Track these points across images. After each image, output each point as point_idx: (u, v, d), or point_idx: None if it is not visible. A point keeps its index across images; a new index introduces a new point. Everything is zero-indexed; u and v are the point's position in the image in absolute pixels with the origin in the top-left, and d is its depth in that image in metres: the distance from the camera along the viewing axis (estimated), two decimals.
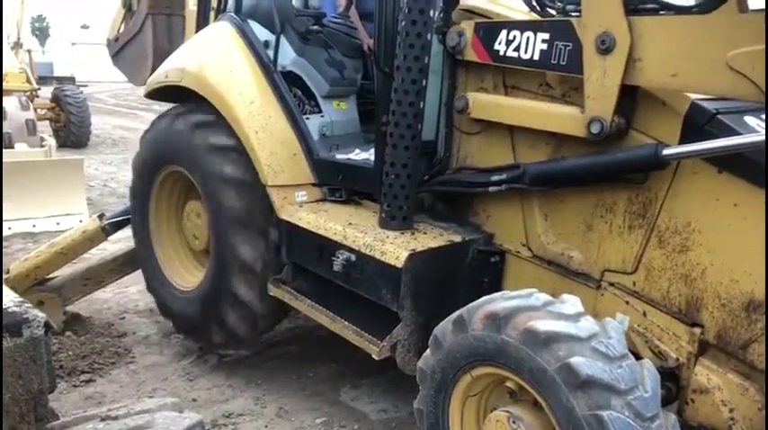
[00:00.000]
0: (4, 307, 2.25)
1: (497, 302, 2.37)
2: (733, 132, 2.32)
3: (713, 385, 2.43)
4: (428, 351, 2.61)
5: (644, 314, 2.65)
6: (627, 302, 2.71)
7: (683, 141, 2.45)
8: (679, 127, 2.47)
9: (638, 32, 2.44)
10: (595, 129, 2.56)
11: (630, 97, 2.57)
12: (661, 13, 2.55)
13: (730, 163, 2.34)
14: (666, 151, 2.43)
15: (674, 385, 2.55)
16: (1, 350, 2.06)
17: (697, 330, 2.50)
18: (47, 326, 2.19)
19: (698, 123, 2.42)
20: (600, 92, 2.55)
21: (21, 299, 2.34)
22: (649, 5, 2.58)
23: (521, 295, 2.40)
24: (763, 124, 2.41)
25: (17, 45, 13.95)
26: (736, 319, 2.39)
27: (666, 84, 2.44)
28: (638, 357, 2.40)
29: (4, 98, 9.22)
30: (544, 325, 2.19)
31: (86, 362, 4.07)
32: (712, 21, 2.31)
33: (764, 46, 2.07)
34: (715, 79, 2.27)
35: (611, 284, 2.78)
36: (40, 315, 2.21)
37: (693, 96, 2.45)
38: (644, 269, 2.67)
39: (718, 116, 2.38)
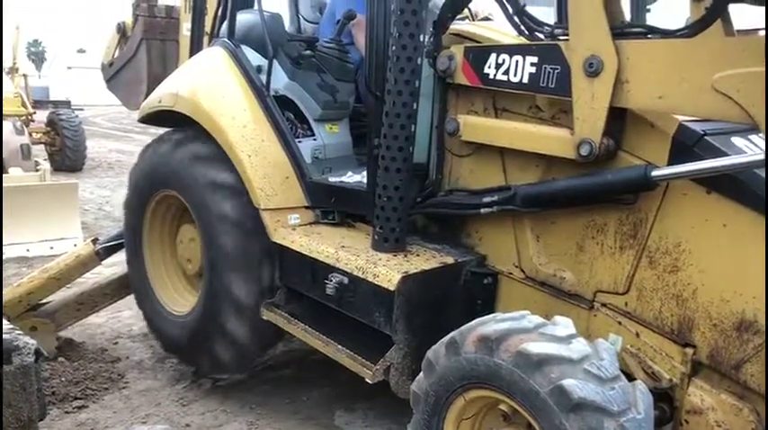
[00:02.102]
0: None
1: (489, 325, 2.37)
2: (720, 153, 2.34)
3: (707, 406, 2.42)
4: (421, 374, 2.60)
5: (637, 335, 2.65)
6: (619, 323, 2.71)
7: (671, 162, 2.47)
8: (667, 148, 2.49)
9: (625, 55, 2.47)
10: (585, 151, 2.58)
11: (619, 119, 2.59)
12: (648, 36, 2.58)
13: (719, 184, 2.36)
14: (655, 172, 2.45)
15: (667, 406, 2.54)
16: (1, 375, 2.05)
17: (689, 350, 2.50)
18: (37, 353, 2.19)
19: (686, 145, 2.44)
20: (588, 114, 2.57)
21: (11, 326, 2.33)
22: (636, 29, 2.62)
23: (513, 317, 2.40)
24: (751, 145, 2.43)
25: (13, 70, 14.01)
26: (728, 339, 2.39)
27: (654, 106, 2.46)
28: (631, 378, 2.40)
29: None
30: (536, 347, 2.19)
31: (79, 388, 4.03)
32: (698, 44, 2.34)
33: (765, 68, 2.09)
34: (701, 101, 2.29)
35: (604, 305, 2.78)
36: (30, 342, 2.20)
37: (681, 118, 2.48)
38: (636, 289, 2.67)
39: (706, 137, 2.41)
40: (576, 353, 2.18)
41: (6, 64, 14.06)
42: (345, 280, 3.12)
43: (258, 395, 4.07)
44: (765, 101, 2.11)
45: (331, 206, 3.65)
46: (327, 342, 3.27)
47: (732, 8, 2.35)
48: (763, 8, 2.22)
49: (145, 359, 4.60)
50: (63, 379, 4.10)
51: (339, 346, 3.20)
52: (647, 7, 5.35)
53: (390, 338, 2.95)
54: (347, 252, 3.21)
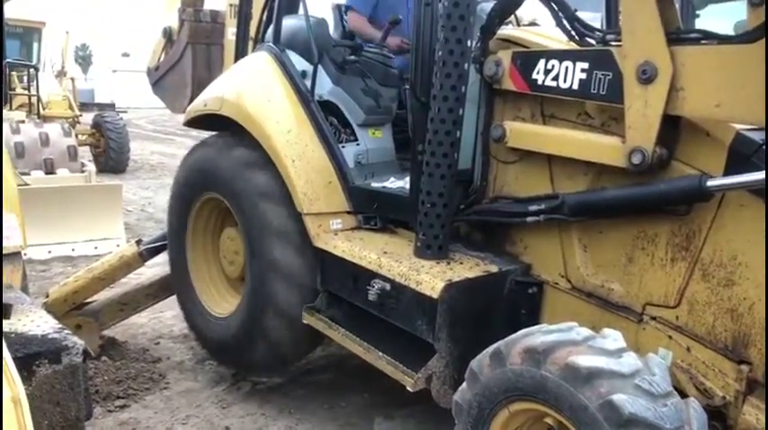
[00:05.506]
0: (43, 333, 2.28)
1: (536, 336, 2.32)
2: None
3: (762, 426, 2.33)
4: (464, 384, 2.56)
5: (688, 349, 2.57)
6: (670, 337, 2.63)
7: (727, 172, 2.39)
8: (724, 158, 2.42)
9: (680, 62, 2.41)
10: (636, 159, 2.51)
11: (673, 127, 2.52)
12: (703, 42, 2.51)
13: None
14: (711, 182, 2.37)
15: (720, 425, 2.46)
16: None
17: (745, 367, 2.41)
18: (85, 353, 2.21)
19: (744, 154, 2.36)
20: (641, 122, 2.51)
21: (60, 325, 2.36)
22: (692, 35, 2.54)
23: (560, 329, 2.35)
24: None
25: (61, 73, 14.41)
26: None
27: (710, 114, 2.39)
28: (681, 394, 2.33)
29: (47, 125, 9.48)
30: (585, 360, 2.13)
31: (121, 388, 4.09)
32: (757, 50, 2.25)
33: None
34: (760, 109, 2.22)
35: (653, 318, 2.70)
36: (78, 342, 2.23)
37: (738, 126, 2.40)
38: (687, 303, 2.59)
39: (765, 147, 2.33)
40: (627, 368, 2.12)
41: (55, 68, 14.48)
42: (387, 286, 3.10)
43: (296, 399, 4.07)
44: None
45: (373, 211, 3.64)
46: (368, 348, 3.24)
47: None
48: None
49: (185, 360, 4.65)
50: (106, 378, 4.16)
51: (380, 353, 3.17)
52: (697, 12, 5.22)
53: (432, 346, 2.91)
54: (389, 258, 3.19)
